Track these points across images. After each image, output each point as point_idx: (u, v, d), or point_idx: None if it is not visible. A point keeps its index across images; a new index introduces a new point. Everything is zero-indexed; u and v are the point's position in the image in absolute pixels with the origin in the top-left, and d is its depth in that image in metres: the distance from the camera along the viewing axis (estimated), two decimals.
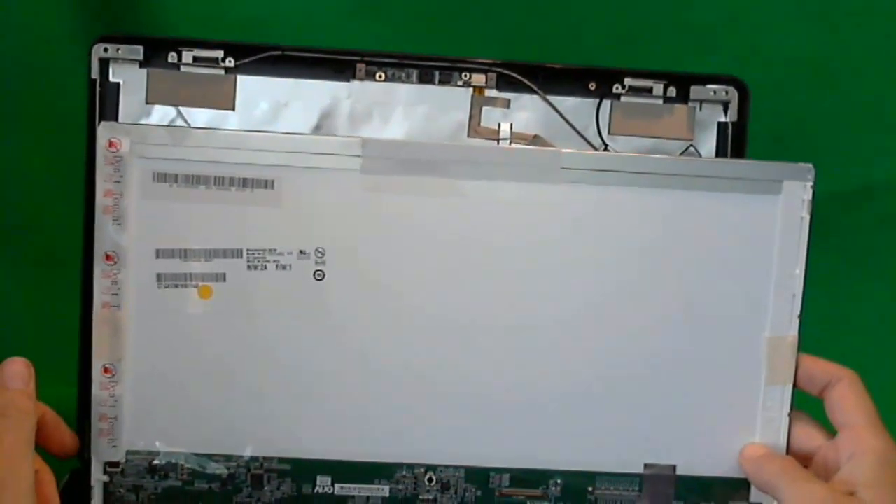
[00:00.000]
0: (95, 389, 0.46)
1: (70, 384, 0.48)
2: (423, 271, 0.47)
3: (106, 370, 0.46)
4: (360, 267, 0.47)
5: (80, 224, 0.48)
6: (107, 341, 0.46)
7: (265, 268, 0.46)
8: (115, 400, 0.46)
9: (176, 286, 0.46)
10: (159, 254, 0.46)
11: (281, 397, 0.47)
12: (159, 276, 0.46)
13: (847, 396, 0.46)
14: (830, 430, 0.47)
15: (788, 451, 0.48)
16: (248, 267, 0.46)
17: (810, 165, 0.47)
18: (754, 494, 0.48)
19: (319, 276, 0.47)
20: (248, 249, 0.46)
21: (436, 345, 0.47)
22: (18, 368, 0.42)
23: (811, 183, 0.47)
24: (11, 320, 0.64)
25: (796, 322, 0.48)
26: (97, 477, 0.47)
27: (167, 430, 0.47)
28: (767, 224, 0.47)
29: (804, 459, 0.47)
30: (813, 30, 0.63)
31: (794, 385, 0.48)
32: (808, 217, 0.47)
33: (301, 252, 0.46)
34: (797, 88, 0.64)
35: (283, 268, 0.46)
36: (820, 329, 0.49)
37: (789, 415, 0.48)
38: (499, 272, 0.47)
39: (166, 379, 0.47)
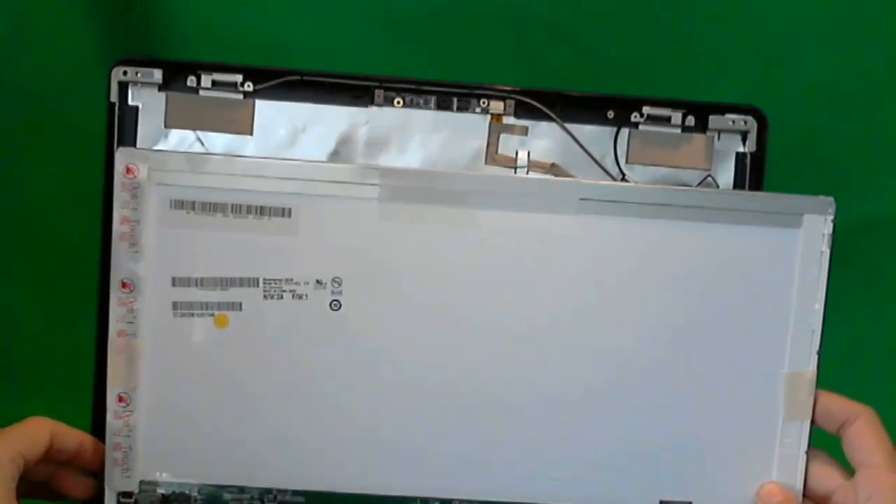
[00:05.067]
0: (110, 418, 0.46)
1: (86, 409, 0.48)
2: (439, 302, 0.47)
3: (121, 399, 0.46)
4: (377, 297, 0.46)
5: (98, 249, 0.48)
6: (122, 370, 0.46)
7: (281, 297, 0.46)
8: (130, 429, 0.46)
9: (192, 315, 0.46)
10: (175, 282, 0.46)
11: (296, 429, 0.47)
12: (175, 305, 0.46)
13: (865, 434, 0.46)
14: (848, 469, 0.46)
15: (805, 490, 0.48)
16: (265, 296, 0.46)
17: (831, 199, 0.47)
18: None
19: (336, 305, 0.46)
20: (264, 279, 0.46)
21: (451, 377, 0.47)
22: None
23: (832, 217, 0.47)
24: (30, 343, 0.64)
25: (815, 358, 0.47)
26: None
27: (181, 460, 0.47)
28: (787, 258, 0.47)
29: (822, 500, 0.47)
30: (831, 57, 0.62)
31: (812, 422, 0.47)
32: (828, 251, 0.47)
33: (318, 282, 0.46)
34: (815, 116, 0.63)
35: (300, 297, 0.46)
36: (835, 361, 0.48)
37: (807, 452, 0.47)
38: (516, 303, 0.47)
39: (181, 408, 0.46)
